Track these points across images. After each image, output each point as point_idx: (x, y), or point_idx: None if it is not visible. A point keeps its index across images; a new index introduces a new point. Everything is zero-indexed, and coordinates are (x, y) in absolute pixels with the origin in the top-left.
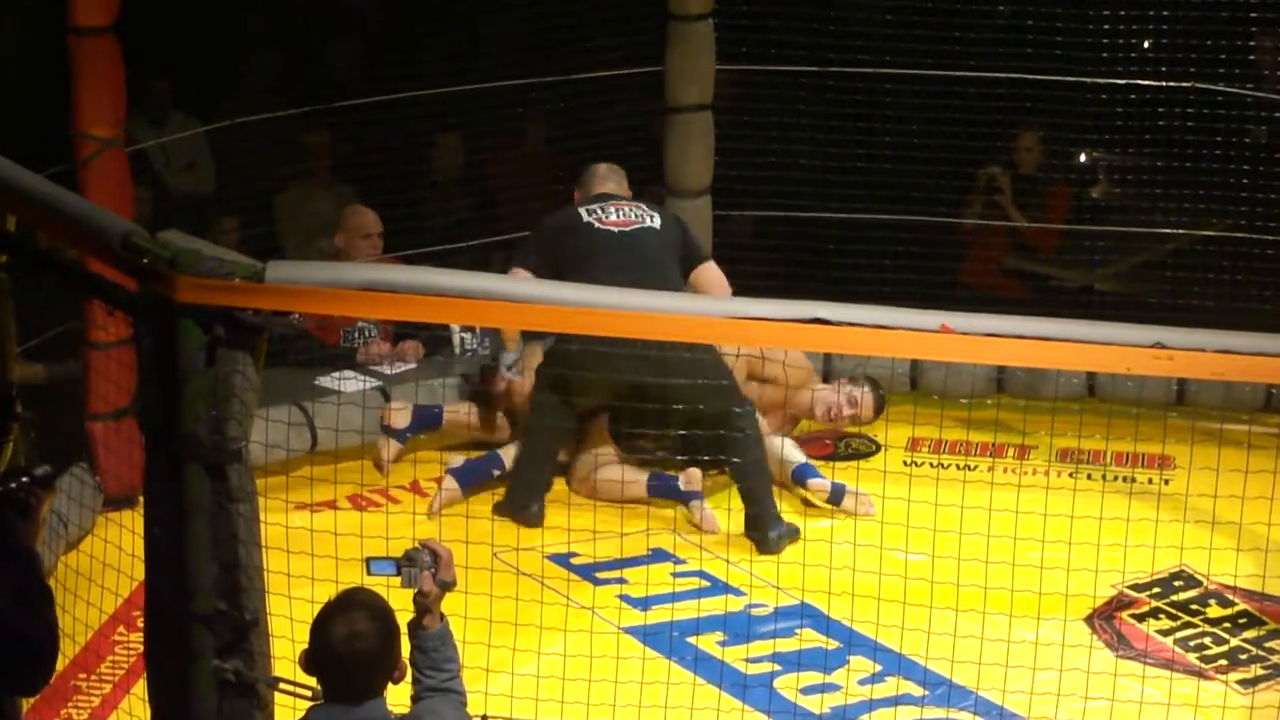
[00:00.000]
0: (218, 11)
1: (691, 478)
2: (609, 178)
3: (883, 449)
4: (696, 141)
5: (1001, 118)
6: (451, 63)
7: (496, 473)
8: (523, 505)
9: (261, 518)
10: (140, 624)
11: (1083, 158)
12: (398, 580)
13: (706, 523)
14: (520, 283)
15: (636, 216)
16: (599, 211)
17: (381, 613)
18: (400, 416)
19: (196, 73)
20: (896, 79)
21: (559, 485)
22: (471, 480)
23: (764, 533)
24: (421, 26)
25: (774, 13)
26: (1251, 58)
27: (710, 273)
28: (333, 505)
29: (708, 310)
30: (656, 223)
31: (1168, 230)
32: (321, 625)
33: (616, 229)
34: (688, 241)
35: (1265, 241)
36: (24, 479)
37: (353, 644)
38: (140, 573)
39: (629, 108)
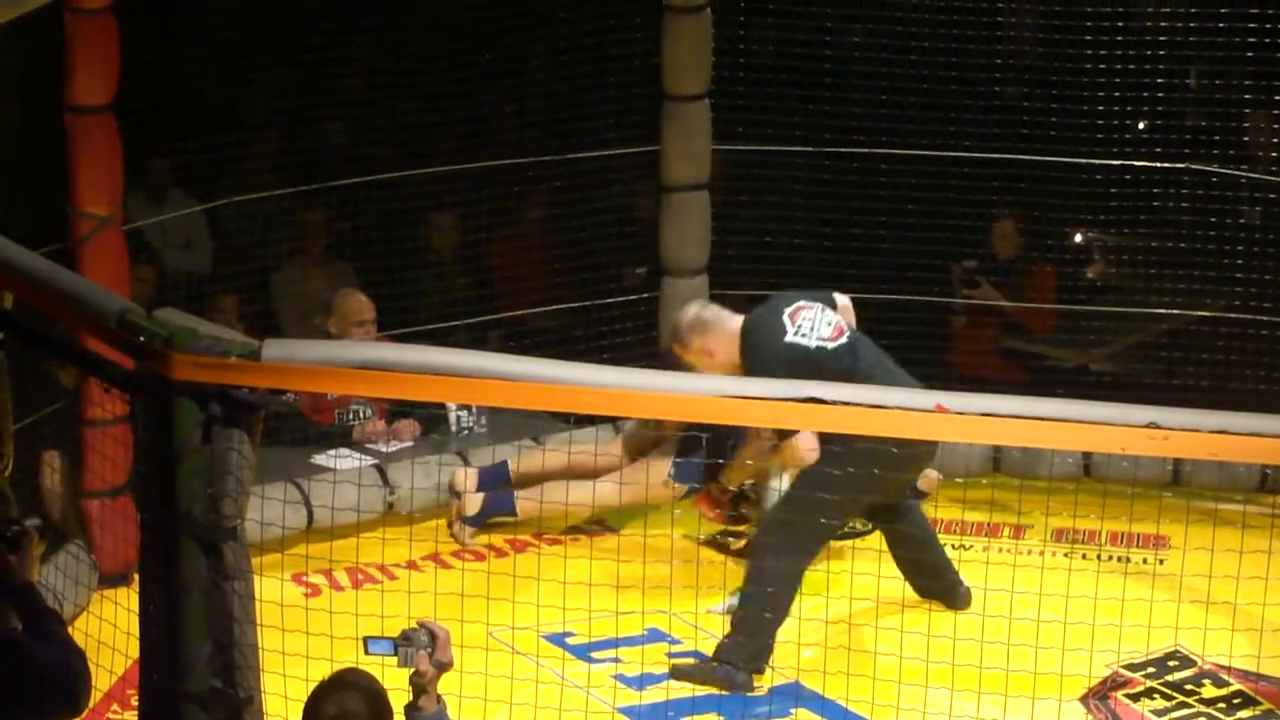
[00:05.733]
0: (216, 91)
1: None
2: (723, 312)
3: (877, 529)
4: (693, 221)
5: (997, 198)
6: (449, 142)
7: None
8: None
9: (257, 595)
10: (135, 703)
11: (1078, 238)
12: (395, 660)
13: None
14: (514, 360)
15: (828, 323)
16: (800, 328)
17: (373, 694)
18: (471, 504)
19: (195, 151)
20: (892, 159)
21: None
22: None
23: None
24: (419, 105)
25: (770, 93)
26: (1245, 139)
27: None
28: (329, 583)
29: (704, 389)
30: (836, 319)
31: (1163, 310)
32: (313, 706)
33: (841, 342)
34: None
35: (1260, 322)
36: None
37: None
38: (135, 650)
39: (625, 187)
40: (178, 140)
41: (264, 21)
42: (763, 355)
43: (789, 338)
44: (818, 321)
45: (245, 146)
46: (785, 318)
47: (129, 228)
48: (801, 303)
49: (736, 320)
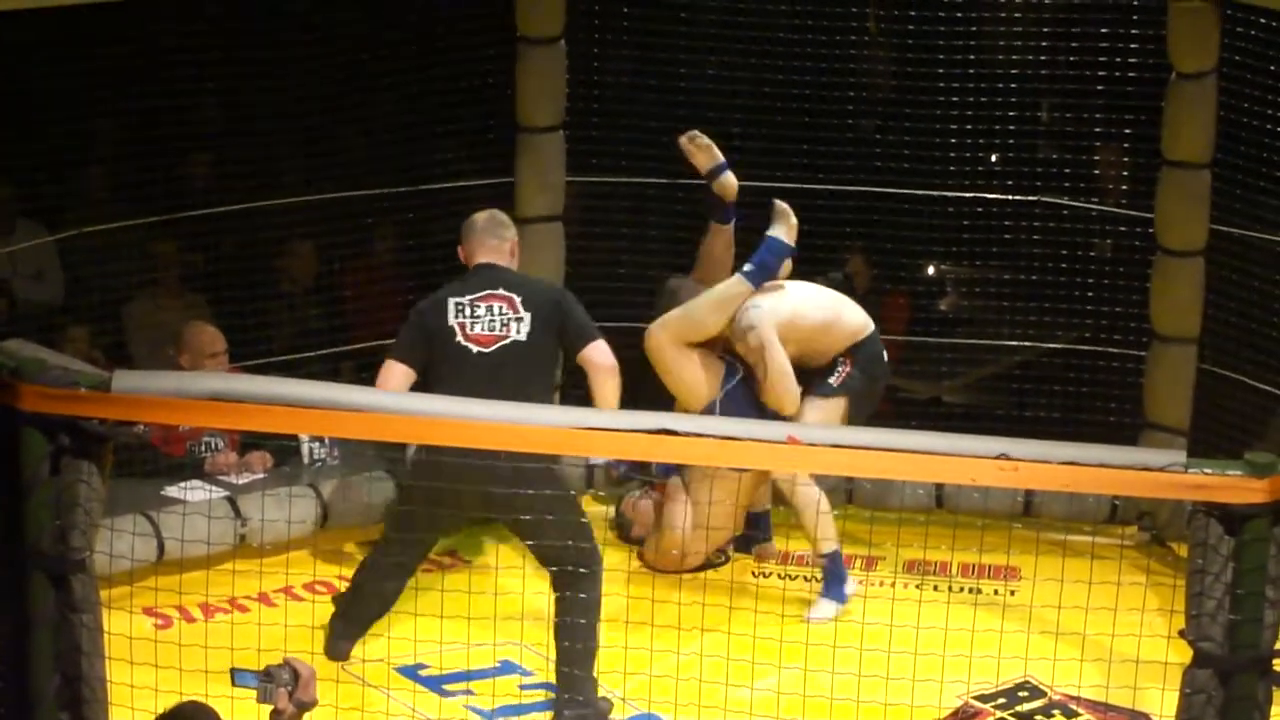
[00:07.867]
0: (64, 120)
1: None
2: (488, 236)
3: (730, 561)
4: (547, 252)
5: (850, 230)
6: (302, 173)
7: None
8: (346, 635)
9: (106, 628)
10: None
11: (931, 270)
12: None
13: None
14: (369, 392)
15: (504, 326)
16: (467, 311)
17: None
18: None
19: (44, 181)
20: (747, 191)
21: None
22: None
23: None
24: (273, 136)
25: (624, 124)
26: (1096, 172)
27: (593, 354)
28: (181, 615)
29: (554, 421)
30: (524, 331)
31: (1014, 343)
32: None
33: (482, 348)
34: (568, 328)
35: (1110, 354)
36: None
37: None
38: None
39: None
40: (25, 170)
41: (116, 50)
42: (425, 303)
43: (448, 298)
44: (483, 320)
45: (96, 176)
46: (474, 294)
47: None
48: (498, 300)
49: (493, 253)
